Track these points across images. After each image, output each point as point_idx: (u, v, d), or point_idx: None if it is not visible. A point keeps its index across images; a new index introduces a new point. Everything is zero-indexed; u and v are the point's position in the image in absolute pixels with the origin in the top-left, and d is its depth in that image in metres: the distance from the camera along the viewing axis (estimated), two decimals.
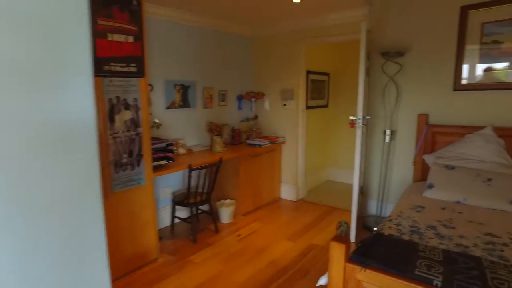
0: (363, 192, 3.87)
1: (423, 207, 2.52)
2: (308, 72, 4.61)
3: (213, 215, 3.50)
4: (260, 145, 4.04)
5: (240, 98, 4.46)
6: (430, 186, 2.81)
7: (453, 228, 2.14)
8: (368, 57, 3.50)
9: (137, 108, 2.57)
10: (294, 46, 4.23)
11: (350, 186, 5.07)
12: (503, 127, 2.96)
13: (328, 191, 4.99)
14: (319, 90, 5.00)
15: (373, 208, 3.81)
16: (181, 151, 3.63)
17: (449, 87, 3.21)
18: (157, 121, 3.36)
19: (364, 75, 3.01)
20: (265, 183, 4.26)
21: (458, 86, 3.17)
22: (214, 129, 3.73)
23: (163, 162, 3.04)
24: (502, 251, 1.84)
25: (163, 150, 3.09)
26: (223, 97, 4.23)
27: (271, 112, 4.55)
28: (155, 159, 2.93)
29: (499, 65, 2.97)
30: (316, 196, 4.70)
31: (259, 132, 4.56)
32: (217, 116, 4.19)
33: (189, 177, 3.10)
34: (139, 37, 2.50)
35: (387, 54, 3.32)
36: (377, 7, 3.52)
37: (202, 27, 3.88)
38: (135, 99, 2.56)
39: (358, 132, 3.05)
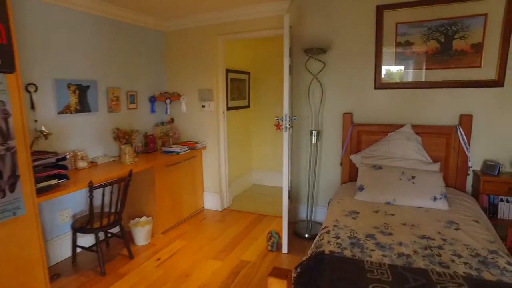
0: (292, 197, 3.69)
1: (357, 212, 2.39)
2: (228, 71, 4.29)
3: (125, 238, 2.93)
4: (177, 152, 3.58)
5: (153, 99, 3.92)
6: (361, 188, 2.72)
7: (391, 234, 2.02)
8: (291, 54, 3.31)
9: (5, 115, 1.92)
10: (212, 42, 3.85)
11: (277, 189, 4.90)
12: (419, 124, 3.03)
13: (254, 196, 4.74)
14: (239, 90, 4.72)
15: (303, 212, 3.65)
16: (82, 164, 2.98)
17: (370, 85, 3.19)
18: (44, 129, 2.66)
19: (288, 73, 2.79)
20: (186, 194, 3.81)
21: (378, 85, 3.16)
22: (121, 136, 3.15)
23: (54, 181, 2.40)
24: (440, 255, 1.76)
25: (54, 166, 2.45)
26: (132, 99, 3.65)
27: (189, 114, 4.10)
28: (41, 179, 2.29)
29: (398, 67, 3.04)
30: (243, 203, 4.40)
31: (177, 137, 4.08)
32: (126, 121, 3.59)
33: (91, 197, 2.51)
34: None
35: (310, 51, 3.17)
36: (298, 1, 3.35)
37: (106, 17, 3.26)
38: (2, 102, 1.91)
39: (285, 135, 2.82)
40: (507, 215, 2.78)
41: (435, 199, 2.49)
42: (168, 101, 4.00)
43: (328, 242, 1.92)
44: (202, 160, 4.09)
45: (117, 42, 3.45)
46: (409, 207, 2.50)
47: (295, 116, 2.95)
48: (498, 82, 2.83)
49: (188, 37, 3.98)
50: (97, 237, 2.64)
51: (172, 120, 4.15)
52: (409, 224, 2.18)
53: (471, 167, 2.91)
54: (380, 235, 2.01)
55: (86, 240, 3.10)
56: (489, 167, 2.82)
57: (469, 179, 2.96)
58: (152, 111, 3.95)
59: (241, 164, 4.93)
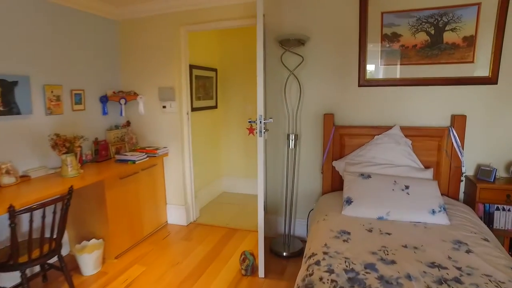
0: (267, 209, 3.28)
1: (349, 233, 2.01)
2: (192, 67, 3.80)
3: (65, 270, 2.36)
4: (133, 161, 3.05)
5: (104, 99, 3.35)
6: (348, 201, 2.35)
7: (393, 262, 1.65)
8: (264, 47, 2.89)
9: None
10: (174, 34, 3.35)
11: (249, 197, 4.48)
12: (409, 126, 2.72)
13: (224, 207, 4.28)
14: (206, 88, 4.24)
15: (280, 226, 3.25)
16: (7, 180, 2.39)
17: (354, 82, 2.85)
18: None
19: (263, 68, 2.37)
20: (146, 208, 3.29)
21: (363, 82, 2.82)
22: (60, 144, 2.57)
23: None
24: None
25: None
26: (78, 98, 3.07)
27: (148, 116, 3.57)
28: None
29: (384, 62, 2.73)
30: (211, 215, 3.93)
31: (134, 143, 3.53)
32: (71, 125, 3.01)
33: (12, 225, 1.94)
34: None
35: (287, 43, 2.77)
36: None
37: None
38: None
39: (260, 140, 2.39)
40: (504, 225, 2.53)
41: (433, 212, 2.17)
42: (123, 101, 3.44)
43: (320, 279, 1.52)
44: (164, 168, 3.58)
45: (57, 30, 2.86)
46: (405, 223, 2.16)
47: (270, 118, 2.54)
48: (491, 79, 2.57)
49: (145, 27, 3.45)
50: (23, 275, 2.07)
51: (128, 123, 3.59)
52: (411, 246, 1.83)
53: (464, 172, 2.64)
54: (382, 264, 1.63)
55: (11, 279, 2.50)
56: (484, 173, 2.56)
57: (461, 186, 2.69)
58: (104, 113, 3.38)
59: (209, 171, 4.45)
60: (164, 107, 3.48)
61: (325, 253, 1.77)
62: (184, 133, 3.53)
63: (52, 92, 2.81)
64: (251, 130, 2.44)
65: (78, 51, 3.07)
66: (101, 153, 3.23)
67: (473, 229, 2.03)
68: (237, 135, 4.67)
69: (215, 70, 4.45)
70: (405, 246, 1.83)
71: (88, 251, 2.69)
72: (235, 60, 4.51)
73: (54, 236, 2.28)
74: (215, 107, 4.54)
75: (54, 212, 2.16)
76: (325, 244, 1.87)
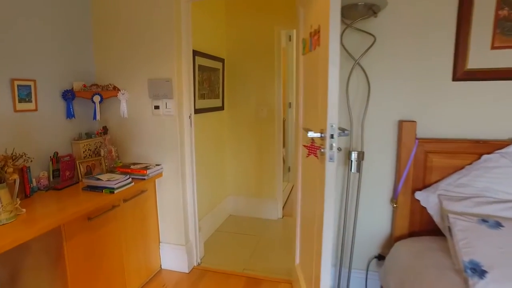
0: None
1: None
2: (195, 54, 2.80)
3: None
4: (112, 189, 2.01)
5: (69, 95, 2.31)
6: (478, 271, 1.39)
7: None
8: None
9: None
10: (171, 3, 2.33)
11: (262, 223, 3.49)
12: None
13: (236, 238, 3.28)
14: (211, 84, 3.23)
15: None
16: None
17: (445, 74, 1.91)
18: None
19: (339, 47, 1.38)
20: (131, 252, 2.25)
21: (461, 73, 1.88)
22: None
23: None
24: None
25: None
26: (25, 93, 2.02)
27: (134, 121, 2.54)
28: None
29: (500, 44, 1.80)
30: (221, 254, 2.92)
31: (113, 158, 2.49)
32: (11, 134, 1.96)
33: None
34: None
35: (351, 12, 1.81)
36: None
37: None
38: None
39: (329, 167, 1.40)
40: None
41: None
42: (97, 98, 2.40)
43: None
44: (157, 194, 2.55)
45: None
46: None
47: (345, 129, 1.53)
48: None
49: None
50: None
51: (104, 130, 2.55)
52: None
53: None
54: None
55: None
56: None
57: None
58: (69, 115, 2.33)
59: (213, 192, 3.44)
60: (156, 107, 2.46)
61: None
62: (185, 144, 2.51)
63: None
64: (312, 150, 1.46)
65: (24, 21, 2.02)
66: (63, 175, 2.19)
67: None
68: (247, 146, 3.68)
69: (222, 60, 3.44)
70: None
71: None
72: (248, 49, 3.52)
73: None
74: (221, 108, 3.53)
75: None
76: None
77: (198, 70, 2.92)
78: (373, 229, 2.14)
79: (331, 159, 1.38)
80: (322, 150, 1.43)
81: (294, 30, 4.45)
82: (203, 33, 3.04)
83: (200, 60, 2.94)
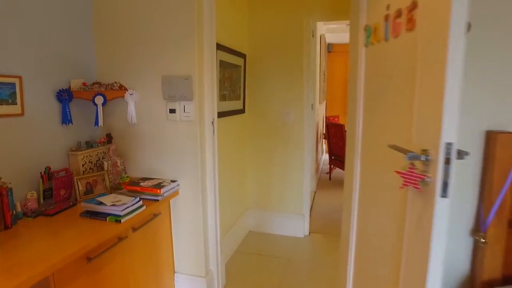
0: None
1: None
2: (217, 48, 2.36)
3: None
4: (118, 217, 1.56)
5: (65, 96, 1.87)
6: None
7: None
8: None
9: None
10: None
11: (286, 241, 3.03)
12: None
13: (260, 262, 2.83)
14: (232, 82, 2.79)
15: None
16: None
17: None
18: None
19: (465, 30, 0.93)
20: (141, 284, 1.81)
21: None
22: None
23: None
24: None
25: None
26: (8, 92, 1.58)
27: (144, 127, 2.10)
28: None
29: None
30: (245, 282, 2.48)
31: (119, 171, 2.05)
32: None
33: None
34: None
35: None
36: None
37: None
38: None
39: (442, 206, 0.95)
40: None
41: None
42: (99, 99, 1.96)
43: None
44: (172, 217, 2.10)
45: None
46: None
47: (466, 152, 1.07)
48: None
49: None
50: None
51: (109, 139, 2.11)
52: None
53: None
54: None
55: None
56: None
57: None
58: (66, 120, 1.89)
59: (233, 208, 3.00)
60: (172, 111, 2.02)
61: None
62: (207, 156, 2.07)
63: None
64: (411, 178, 1.01)
65: (7, 4, 1.58)
66: (57, 195, 1.76)
67: None
68: (270, 153, 3.23)
69: (243, 56, 3.00)
70: None
71: None
72: (272, 43, 3.07)
73: None
74: (242, 111, 3.09)
75: None
76: None
77: (219, 67, 2.47)
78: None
79: (444, 193, 0.93)
80: (427, 179, 0.98)
81: (317, 24, 4.01)
82: (223, 23, 2.60)
83: (221, 55, 2.50)
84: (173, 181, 2.02)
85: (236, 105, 2.88)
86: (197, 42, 1.92)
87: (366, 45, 1.52)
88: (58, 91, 1.84)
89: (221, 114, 2.56)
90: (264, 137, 3.23)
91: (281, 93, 3.12)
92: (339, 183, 5.21)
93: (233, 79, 2.77)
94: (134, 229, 1.69)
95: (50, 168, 1.74)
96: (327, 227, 3.52)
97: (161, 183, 1.97)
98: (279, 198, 3.31)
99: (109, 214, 1.58)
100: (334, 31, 6.77)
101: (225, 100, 2.64)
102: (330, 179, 5.50)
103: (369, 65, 1.51)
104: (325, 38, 6.41)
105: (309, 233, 3.36)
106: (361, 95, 1.59)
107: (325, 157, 6.94)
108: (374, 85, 1.45)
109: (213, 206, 2.15)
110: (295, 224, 3.29)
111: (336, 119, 6.76)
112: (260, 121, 3.22)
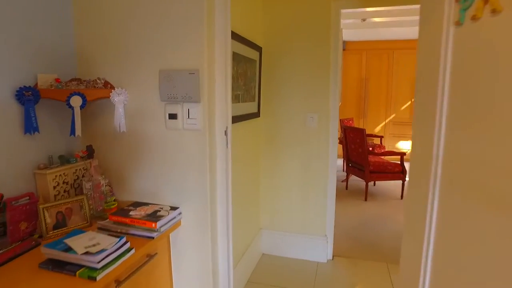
0: None
1: None
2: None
3: None
4: (93, 270, 1.08)
5: (29, 96, 1.39)
6: None
7: None
8: None
9: None
10: None
11: (306, 266, 2.52)
12: None
13: None
14: (246, 80, 2.31)
15: None
16: None
17: None
18: None
19: None
20: None
21: None
22: None
23: None
24: None
25: None
26: None
27: (136, 137, 1.61)
28: None
29: None
30: None
31: (102, 196, 1.57)
32: None
33: None
34: None
35: None
36: None
37: None
38: None
39: None
40: None
41: None
42: (77, 100, 1.48)
43: None
44: (172, 256, 1.62)
45: None
46: None
47: None
48: None
49: None
50: None
51: (89, 152, 1.62)
52: None
53: None
54: None
55: None
56: None
57: None
58: (30, 127, 1.41)
59: (245, 228, 2.52)
60: (173, 116, 1.53)
61: None
62: (218, 174, 1.58)
63: None
64: None
65: None
66: (14, 231, 1.28)
67: None
68: (288, 164, 2.75)
69: (259, 49, 2.52)
70: None
71: None
72: (292, 34, 2.59)
73: None
74: (257, 115, 2.61)
75: None
76: None
77: (233, 61, 1.99)
78: None
79: None
80: None
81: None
82: (233, 6, 2.12)
83: (235, 47, 2.01)
84: (173, 208, 1.54)
85: (250, 107, 2.40)
86: (207, 25, 1.44)
87: (460, 23, 1.03)
88: (18, 89, 1.36)
89: (234, 119, 2.07)
90: (281, 146, 2.75)
91: (302, 94, 2.64)
92: (358, 193, 4.72)
93: (247, 76, 2.29)
94: (119, 282, 1.21)
95: (2, 196, 1.26)
96: (352, 250, 3.04)
97: (157, 211, 1.48)
98: (298, 216, 2.83)
99: (80, 266, 1.10)
100: (349, 27, 6.27)
101: (239, 102, 2.16)
102: (346, 188, 5.01)
103: (463, 53, 1.02)
104: (342, 34, 5.91)
105: (333, 257, 2.88)
106: (444, 98, 1.11)
107: (339, 162, 6.44)
108: (476, 84, 0.96)
109: (225, 238, 1.67)
110: (316, 247, 2.81)
111: (350, 122, 6.26)
112: (277, 126, 2.74)
